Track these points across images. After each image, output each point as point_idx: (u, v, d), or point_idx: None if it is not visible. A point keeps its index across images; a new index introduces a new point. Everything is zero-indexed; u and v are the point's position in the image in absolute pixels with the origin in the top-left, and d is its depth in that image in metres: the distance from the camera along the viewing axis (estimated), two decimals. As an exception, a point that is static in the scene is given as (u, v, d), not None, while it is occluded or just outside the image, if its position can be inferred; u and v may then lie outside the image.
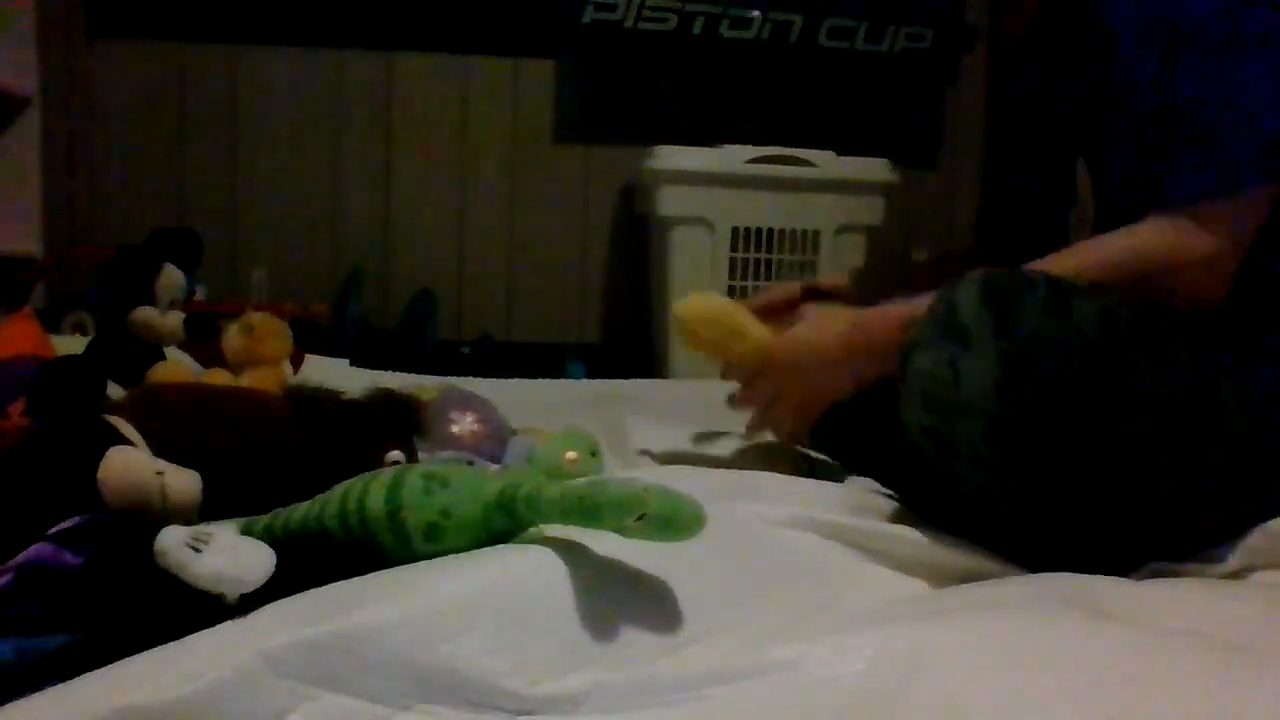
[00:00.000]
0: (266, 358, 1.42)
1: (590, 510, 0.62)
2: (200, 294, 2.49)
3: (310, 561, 0.67)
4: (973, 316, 0.78)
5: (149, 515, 0.70)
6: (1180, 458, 0.81)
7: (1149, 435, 0.80)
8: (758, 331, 1.08)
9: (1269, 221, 0.89)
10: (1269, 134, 0.87)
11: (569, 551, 0.66)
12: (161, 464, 0.73)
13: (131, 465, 0.72)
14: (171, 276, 1.44)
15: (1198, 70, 0.89)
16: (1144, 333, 0.82)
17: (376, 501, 0.67)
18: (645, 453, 1.25)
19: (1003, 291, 0.79)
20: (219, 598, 0.62)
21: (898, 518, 0.82)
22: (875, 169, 2.54)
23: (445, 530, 0.66)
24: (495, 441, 1.13)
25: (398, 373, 1.85)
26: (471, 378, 1.72)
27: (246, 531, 0.71)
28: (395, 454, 0.88)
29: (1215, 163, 0.88)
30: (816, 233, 2.55)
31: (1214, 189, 0.88)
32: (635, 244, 2.84)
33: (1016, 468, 0.79)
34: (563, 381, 2.05)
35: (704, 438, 1.28)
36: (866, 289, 1.22)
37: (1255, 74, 0.87)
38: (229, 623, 0.61)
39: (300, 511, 0.71)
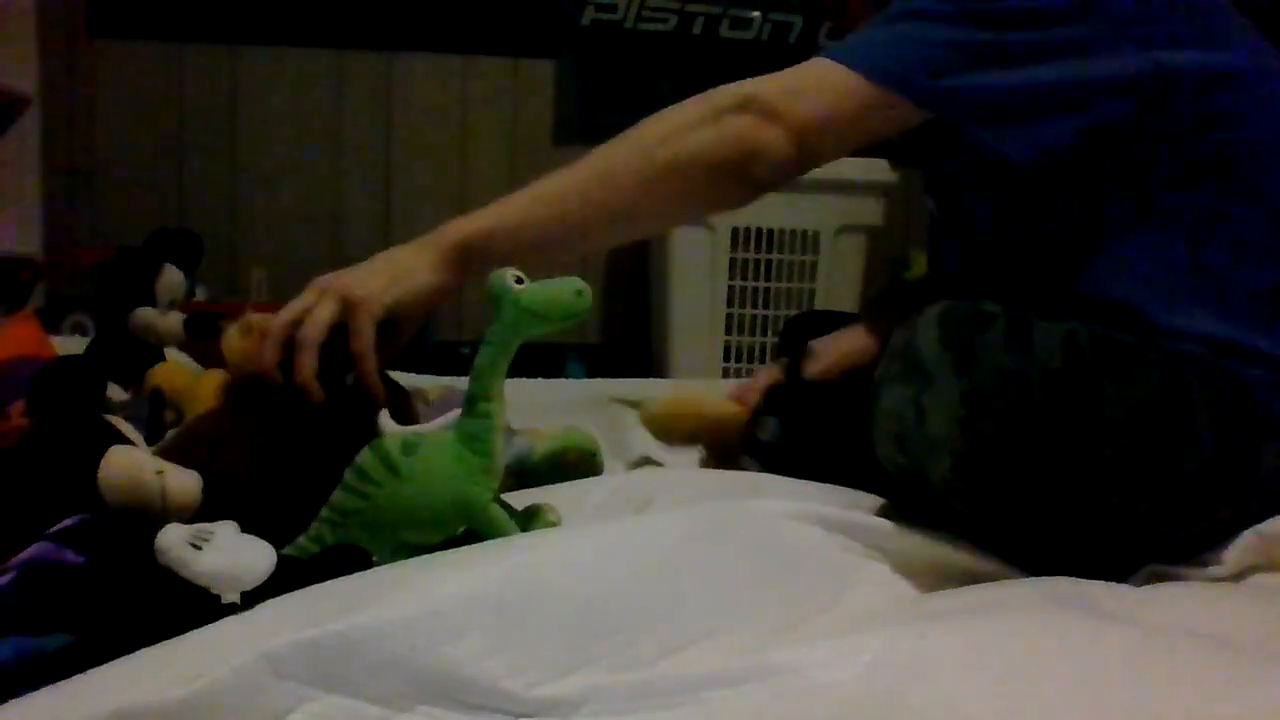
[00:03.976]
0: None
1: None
2: (200, 294, 2.49)
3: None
4: (933, 355, 0.79)
5: (149, 515, 0.70)
6: (1154, 474, 0.81)
7: (1120, 457, 0.80)
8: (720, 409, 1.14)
9: (1247, 222, 0.88)
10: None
11: (569, 552, 0.66)
12: (162, 463, 0.73)
13: (131, 465, 0.72)
14: (171, 276, 1.44)
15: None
16: (1108, 355, 0.81)
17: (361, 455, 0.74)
18: (646, 455, 1.25)
19: (961, 328, 0.79)
20: (219, 596, 0.63)
21: (898, 517, 0.82)
22: (875, 169, 2.53)
23: (418, 443, 0.73)
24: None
25: (398, 372, 1.85)
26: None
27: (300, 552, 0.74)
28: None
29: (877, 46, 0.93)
30: (816, 233, 2.55)
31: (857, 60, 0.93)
32: (635, 244, 2.84)
33: (990, 497, 0.80)
34: (563, 381, 2.05)
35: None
36: (879, 315, 1.18)
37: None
38: (229, 621, 0.61)
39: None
